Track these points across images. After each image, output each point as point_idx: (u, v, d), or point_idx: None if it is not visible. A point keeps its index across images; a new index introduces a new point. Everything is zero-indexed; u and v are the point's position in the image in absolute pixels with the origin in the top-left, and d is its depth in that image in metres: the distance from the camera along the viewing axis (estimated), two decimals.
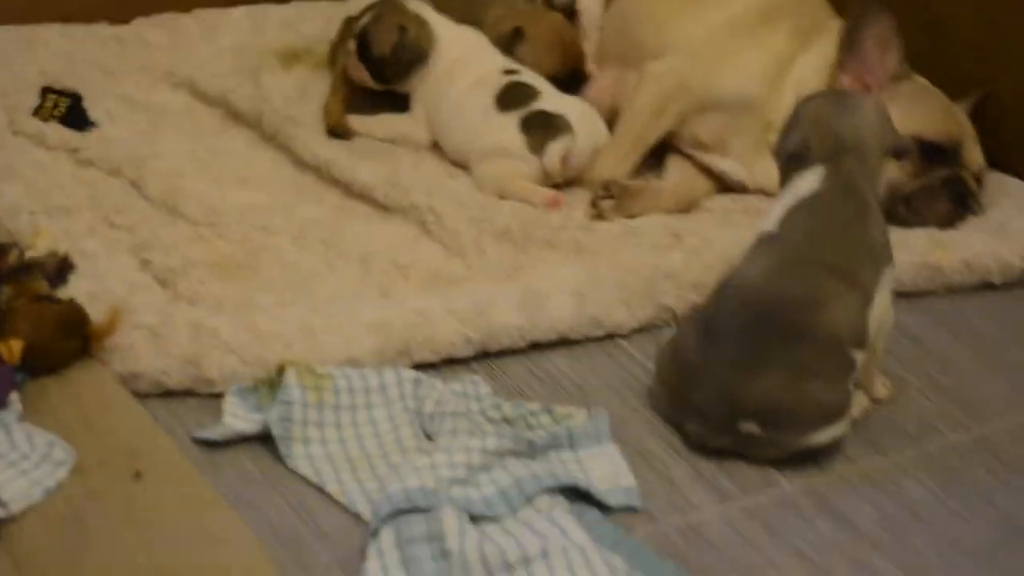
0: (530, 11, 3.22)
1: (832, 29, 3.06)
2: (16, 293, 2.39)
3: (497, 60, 3.10)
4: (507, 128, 2.98)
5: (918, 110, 2.95)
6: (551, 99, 3.02)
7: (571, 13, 3.29)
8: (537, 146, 2.95)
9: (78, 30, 3.24)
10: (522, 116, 2.98)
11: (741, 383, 2.37)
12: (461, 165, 3.02)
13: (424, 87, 3.10)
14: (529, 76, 3.07)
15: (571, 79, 3.15)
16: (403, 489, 2.18)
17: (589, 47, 3.26)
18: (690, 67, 3.05)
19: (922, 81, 3.05)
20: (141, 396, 2.39)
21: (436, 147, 3.09)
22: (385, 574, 2.11)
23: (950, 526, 2.33)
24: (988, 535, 2.32)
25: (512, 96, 3.01)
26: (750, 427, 2.37)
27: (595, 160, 3.03)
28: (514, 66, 3.09)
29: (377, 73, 3.10)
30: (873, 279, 2.42)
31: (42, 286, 2.43)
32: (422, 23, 3.09)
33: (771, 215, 2.47)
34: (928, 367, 2.67)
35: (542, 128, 2.97)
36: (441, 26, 3.11)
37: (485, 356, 2.55)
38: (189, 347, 2.41)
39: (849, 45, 3.00)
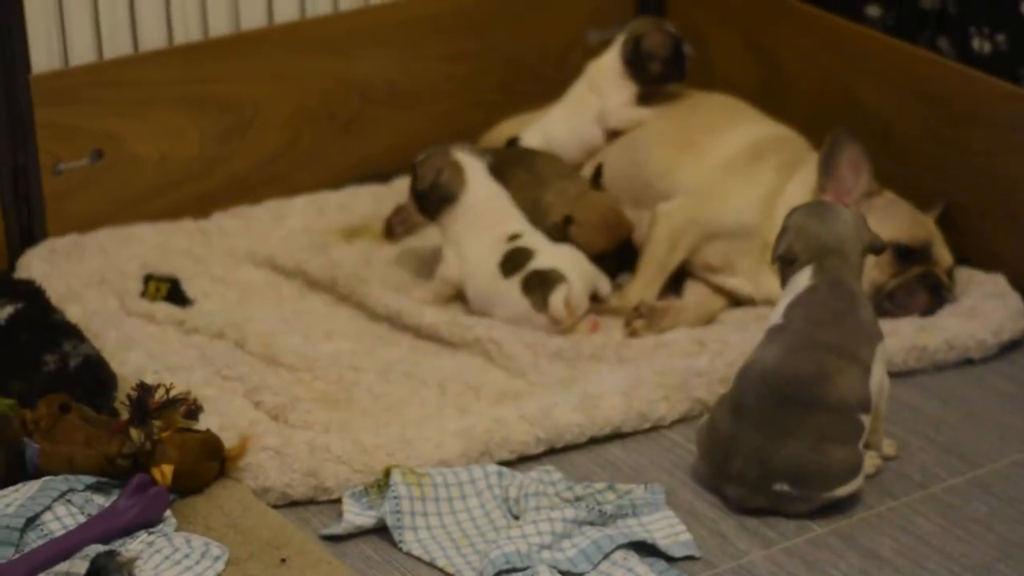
0: (578, 196, 3.31)
1: (811, 160, 3.23)
2: (164, 426, 2.62)
3: (509, 224, 3.23)
4: (512, 296, 3.15)
5: (891, 219, 3.12)
6: (543, 256, 3.16)
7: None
8: (540, 303, 3.13)
9: (167, 227, 3.40)
10: (521, 280, 3.14)
11: (771, 451, 2.63)
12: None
13: (452, 230, 3.25)
14: (529, 238, 3.20)
15: (621, 253, 3.30)
16: (502, 553, 2.49)
17: None
18: (695, 205, 3.25)
19: (891, 195, 3.20)
20: (272, 506, 2.66)
21: None
22: None
23: (956, 549, 2.60)
24: (989, 553, 2.59)
25: (511, 262, 3.17)
26: (782, 487, 2.64)
27: (623, 290, 3.23)
28: (519, 230, 3.22)
29: (420, 205, 3.27)
30: (869, 354, 2.67)
31: (182, 420, 2.65)
32: (458, 168, 3.24)
33: (776, 311, 2.73)
34: (925, 429, 2.90)
35: (539, 286, 3.13)
36: (475, 175, 3.25)
37: (552, 452, 2.83)
38: (307, 462, 2.70)
39: (826, 170, 3.16)
